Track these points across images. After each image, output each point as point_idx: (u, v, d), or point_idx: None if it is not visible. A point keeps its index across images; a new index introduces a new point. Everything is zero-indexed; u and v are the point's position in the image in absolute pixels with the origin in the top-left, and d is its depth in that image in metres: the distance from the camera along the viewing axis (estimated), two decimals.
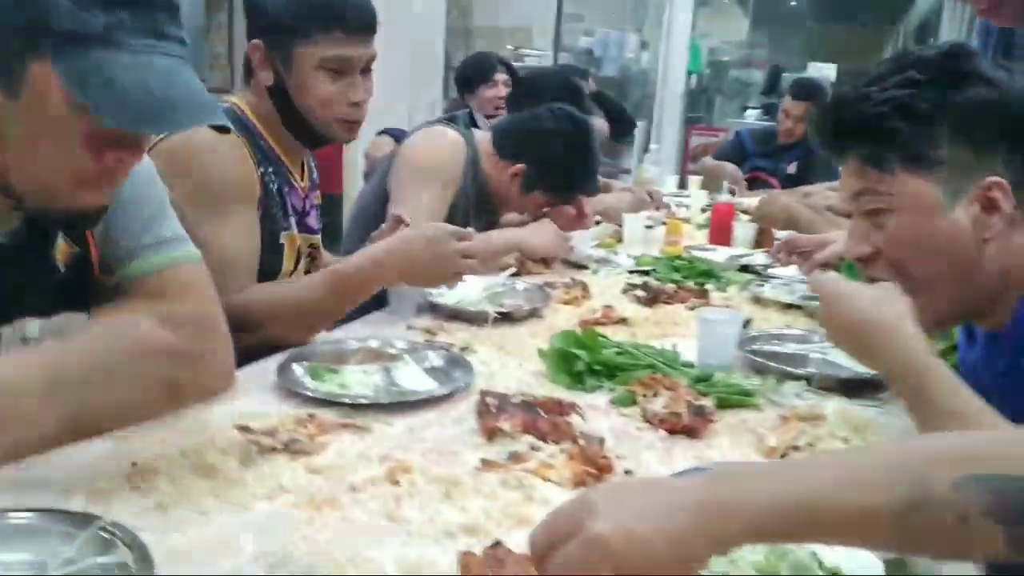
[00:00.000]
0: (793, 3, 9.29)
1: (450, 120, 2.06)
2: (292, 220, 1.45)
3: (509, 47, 6.69)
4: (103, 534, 0.67)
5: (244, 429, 0.94)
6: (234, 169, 1.30)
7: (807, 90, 3.80)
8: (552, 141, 1.91)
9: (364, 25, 1.34)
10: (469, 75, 3.35)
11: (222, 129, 0.87)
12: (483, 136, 1.99)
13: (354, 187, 3.27)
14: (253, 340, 1.21)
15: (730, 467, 0.78)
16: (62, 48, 0.75)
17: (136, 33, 0.77)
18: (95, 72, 0.75)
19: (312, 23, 1.30)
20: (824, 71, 6.60)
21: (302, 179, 1.49)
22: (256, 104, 1.38)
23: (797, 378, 1.24)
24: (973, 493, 0.54)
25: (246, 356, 1.16)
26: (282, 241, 1.42)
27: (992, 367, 1.00)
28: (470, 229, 1.40)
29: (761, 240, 2.37)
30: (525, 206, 2.00)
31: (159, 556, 0.67)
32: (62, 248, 0.93)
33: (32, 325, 0.92)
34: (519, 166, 1.91)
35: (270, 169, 1.39)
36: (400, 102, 3.33)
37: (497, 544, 0.72)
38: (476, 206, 1.97)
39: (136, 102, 0.76)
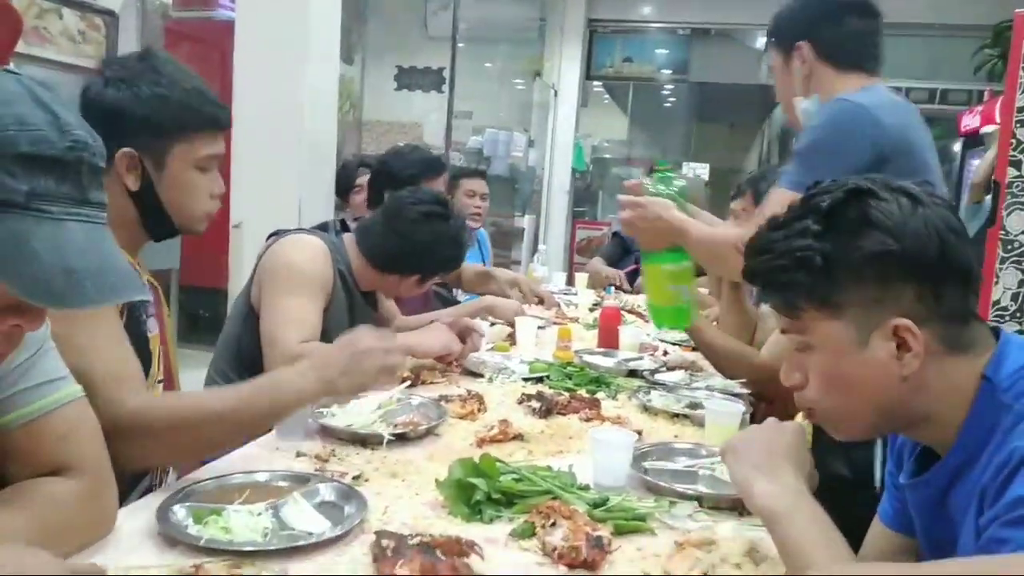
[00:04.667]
0: (668, 105, 9.92)
1: (321, 228, 2.08)
2: (150, 321, 1.41)
3: (400, 143, 6.80)
4: None
5: None
6: None
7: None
8: (412, 225, 1.98)
9: (228, 124, 1.41)
10: (339, 185, 3.44)
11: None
12: (350, 239, 2.05)
13: (238, 285, 3.21)
14: (154, 451, 1.21)
15: None
16: None
17: (58, 200, 0.74)
18: (10, 241, 0.71)
19: (190, 125, 1.34)
20: (698, 170, 7.04)
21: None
22: (112, 208, 1.32)
23: (689, 498, 1.27)
24: None
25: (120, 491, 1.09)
26: (150, 343, 1.38)
27: (918, 499, 1.05)
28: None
29: None
30: (398, 293, 2.14)
31: None
32: None
33: None
34: (392, 277, 2.03)
35: None
36: (294, 198, 3.31)
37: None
38: (351, 310, 1.98)
39: (49, 277, 0.71)
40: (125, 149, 1.31)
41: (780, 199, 1.59)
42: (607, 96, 9.74)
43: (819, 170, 1.53)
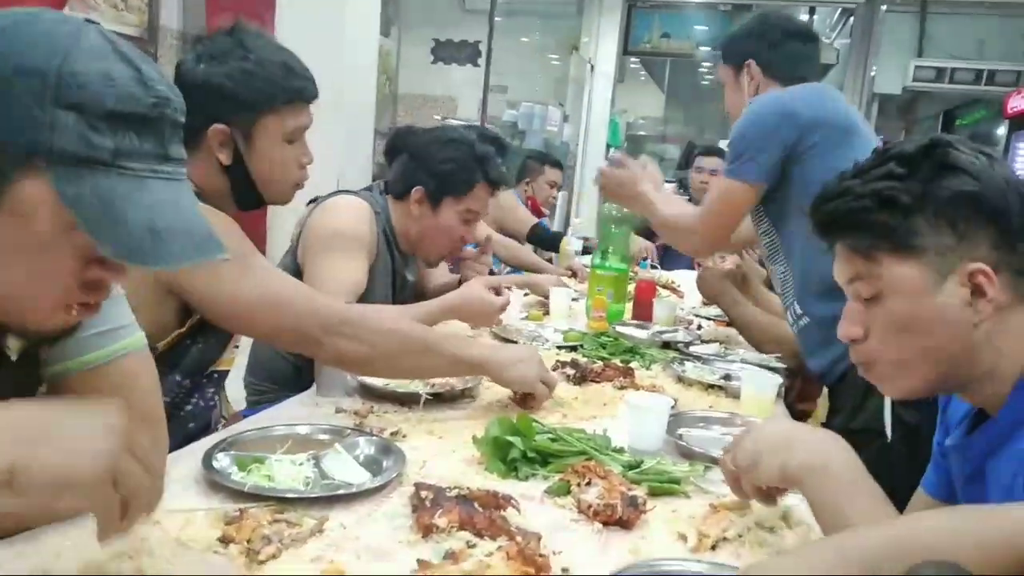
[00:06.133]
0: (705, 82, 9.79)
1: (367, 190, 2.09)
2: None
3: (436, 116, 6.81)
4: None
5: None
6: None
7: (714, 149, 4.22)
8: (430, 147, 1.99)
9: (315, 95, 1.44)
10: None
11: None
12: (392, 201, 2.05)
13: (276, 256, 3.24)
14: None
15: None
16: (62, 168, 0.70)
17: (141, 158, 0.73)
18: (95, 198, 0.71)
19: (277, 98, 1.37)
20: None
21: None
22: (204, 182, 1.36)
23: None
24: None
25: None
26: None
27: (961, 463, 1.04)
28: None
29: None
30: (446, 234, 2.01)
31: None
32: (14, 338, 0.87)
33: None
34: (417, 190, 1.96)
35: None
36: (333, 170, 3.33)
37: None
38: (394, 269, 1.99)
39: (133, 235, 0.71)
40: (217, 125, 1.35)
41: (720, 185, 1.93)
42: (644, 72, 9.63)
43: (749, 153, 1.82)
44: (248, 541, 0.90)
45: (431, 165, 1.97)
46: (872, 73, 7.60)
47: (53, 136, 0.69)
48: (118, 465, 0.71)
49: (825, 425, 1.53)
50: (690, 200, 4.14)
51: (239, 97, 1.34)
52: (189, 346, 1.36)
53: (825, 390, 1.93)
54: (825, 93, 1.92)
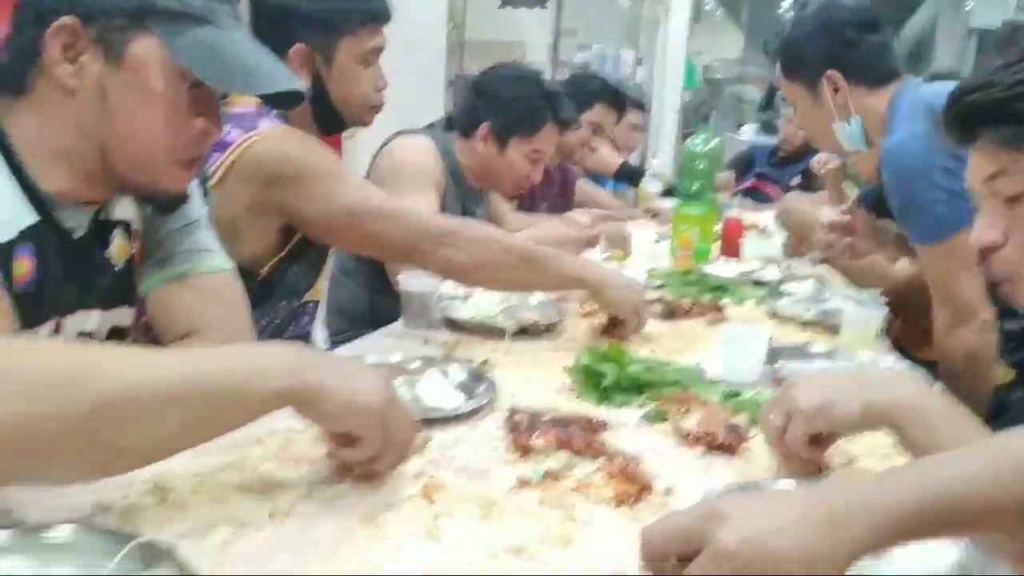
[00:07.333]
0: (787, 19, 9.37)
1: (428, 127, 2.06)
2: None
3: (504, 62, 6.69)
4: (143, 550, 0.64)
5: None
6: None
7: None
8: (497, 84, 1.95)
9: (389, 16, 1.45)
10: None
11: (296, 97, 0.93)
12: (455, 137, 2.01)
13: None
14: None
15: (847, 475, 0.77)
16: (167, 25, 0.85)
17: (222, 15, 0.88)
18: (196, 42, 0.85)
19: (355, 19, 1.39)
20: None
21: None
22: None
23: None
24: None
25: None
26: None
27: None
28: None
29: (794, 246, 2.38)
30: (511, 173, 1.98)
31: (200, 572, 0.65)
32: (119, 247, 0.97)
33: (91, 318, 0.96)
34: (483, 126, 1.92)
35: None
36: (406, 121, 3.32)
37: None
38: (463, 205, 1.97)
39: (232, 66, 0.86)
40: (298, 45, 1.35)
41: (931, 252, 1.54)
42: (720, 11, 9.27)
43: (927, 210, 1.49)
44: None
45: (499, 102, 1.93)
46: (968, 7, 7.13)
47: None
48: (390, 408, 0.79)
49: (1007, 392, 1.39)
50: (778, 146, 3.99)
51: (319, 17, 1.35)
52: (286, 271, 1.39)
53: None
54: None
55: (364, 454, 0.81)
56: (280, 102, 0.96)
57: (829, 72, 1.68)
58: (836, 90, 1.70)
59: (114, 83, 0.85)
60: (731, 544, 0.56)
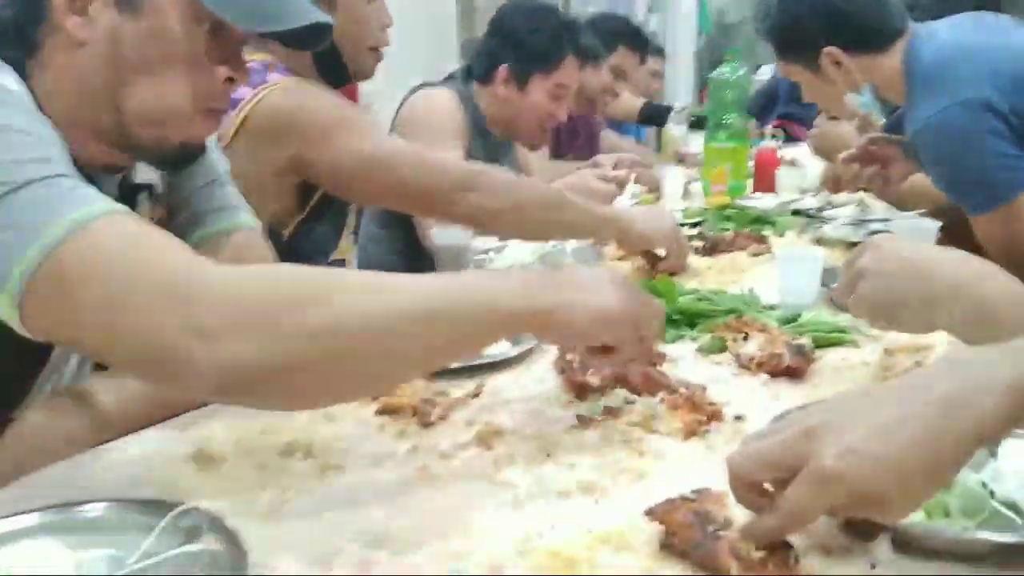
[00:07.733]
0: None
1: (448, 79, 1.99)
2: None
3: None
4: (185, 521, 0.60)
5: None
6: None
7: None
8: (513, 19, 1.88)
9: None
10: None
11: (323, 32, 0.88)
12: (475, 85, 1.94)
13: None
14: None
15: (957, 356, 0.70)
16: None
17: None
18: None
19: None
20: None
21: None
22: (286, 55, 1.30)
23: None
24: None
25: None
26: None
27: None
28: None
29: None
30: (535, 113, 1.91)
31: (248, 541, 0.60)
32: (144, 212, 0.92)
33: None
34: (503, 68, 1.85)
35: None
36: (414, 77, 3.26)
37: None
38: (488, 156, 1.91)
39: (257, 9, 0.81)
40: None
41: (987, 222, 1.39)
42: None
43: (984, 178, 1.37)
44: (414, 408, 0.86)
45: (516, 36, 1.85)
46: None
47: None
48: (631, 303, 0.78)
49: None
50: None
51: None
52: (310, 231, 1.34)
53: None
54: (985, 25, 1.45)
55: (624, 357, 0.83)
56: (305, 42, 0.89)
57: (827, 49, 1.54)
58: (838, 64, 1.55)
59: (127, 31, 0.79)
60: (827, 463, 0.49)
